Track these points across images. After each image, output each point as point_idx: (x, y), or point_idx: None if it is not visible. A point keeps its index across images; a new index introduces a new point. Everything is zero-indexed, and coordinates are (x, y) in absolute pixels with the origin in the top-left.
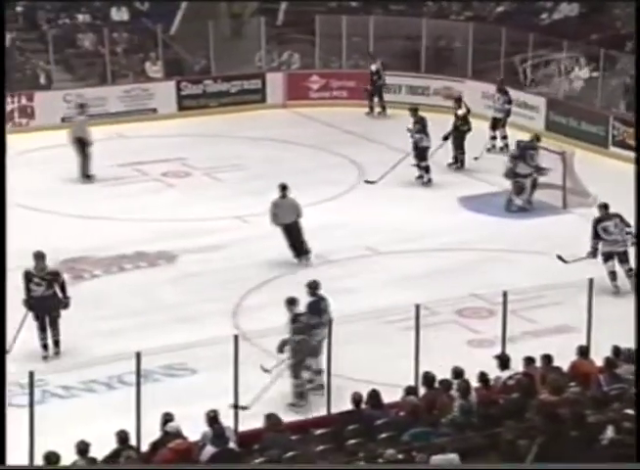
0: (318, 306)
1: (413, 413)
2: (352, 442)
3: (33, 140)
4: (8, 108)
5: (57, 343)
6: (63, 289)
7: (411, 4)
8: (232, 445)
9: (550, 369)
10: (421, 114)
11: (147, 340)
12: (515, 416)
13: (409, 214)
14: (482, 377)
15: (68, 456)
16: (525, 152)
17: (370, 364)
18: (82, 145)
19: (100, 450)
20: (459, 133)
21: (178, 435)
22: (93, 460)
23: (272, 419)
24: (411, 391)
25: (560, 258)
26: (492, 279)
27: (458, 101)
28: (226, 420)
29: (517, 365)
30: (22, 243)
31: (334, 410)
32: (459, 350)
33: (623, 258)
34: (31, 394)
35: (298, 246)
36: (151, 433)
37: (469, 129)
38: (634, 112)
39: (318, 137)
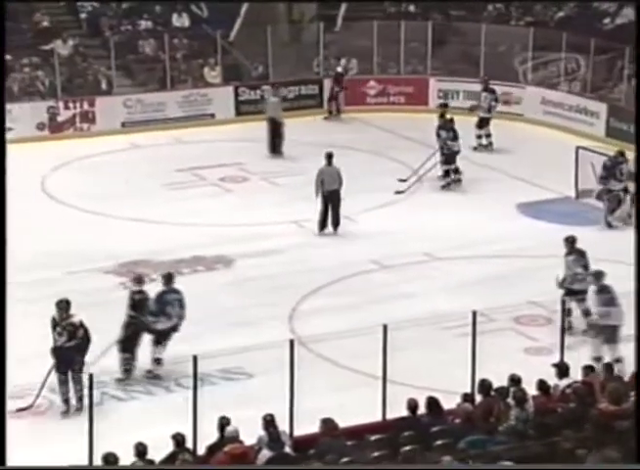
0: (164, 298)
1: (468, 421)
2: (407, 448)
3: (94, 145)
4: (70, 113)
5: (80, 399)
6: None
7: (471, 9)
8: (287, 449)
9: (611, 378)
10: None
11: (204, 344)
12: (573, 425)
13: (467, 220)
14: (542, 385)
15: (127, 458)
16: (613, 169)
17: (426, 371)
18: (275, 124)
19: (157, 453)
20: (448, 148)
21: (236, 439)
22: (150, 462)
23: (328, 424)
24: (467, 398)
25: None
26: (550, 287)
27: (445, 114)
28: (281, 424)
29: (575, 374)
30: (82, 246)
31: (389, 416)
32: (516, 357)
33: (581, 297)
34: (91, 396)
35: (334, 215)
36: (207, 436)
37: (456, 147)
38: (635, 112)
39: (375, 143)
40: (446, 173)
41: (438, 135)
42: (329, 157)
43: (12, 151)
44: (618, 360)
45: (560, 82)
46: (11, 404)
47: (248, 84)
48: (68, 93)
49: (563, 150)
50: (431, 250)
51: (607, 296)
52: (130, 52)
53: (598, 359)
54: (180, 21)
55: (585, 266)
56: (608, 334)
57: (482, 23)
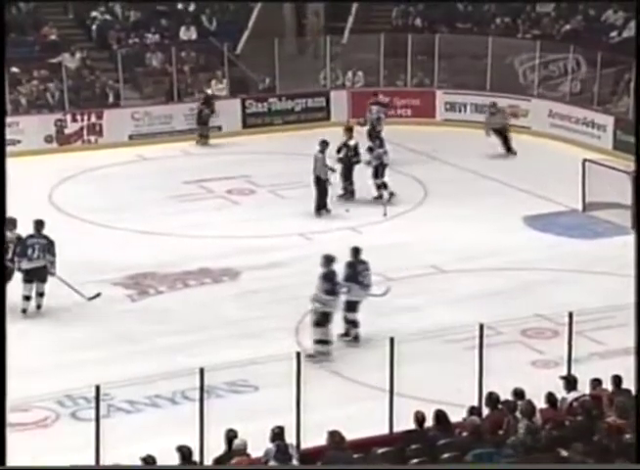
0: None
1: (476, 434)
2: (415, 461)
3: (102, 157)
4: (77, 125)
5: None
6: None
7: (478, 22)
8: (295, 462)
9: (619, 391)
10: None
11: (210, 356)
12: (581, 439)
13: (474, 233)
14: (550, 398)
15: None
16: None
17: (432, 384)
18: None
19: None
20: (350, 164)
21: (243, 452)
22: None
23: (335, 436)
24: (474, 411)
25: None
26: (558, 299)
27: (349, 131)
28: (288, 437)
29: (583, 387)
30: (89, 258)
31: (396, 429)
32: (523, 370)
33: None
34: (97, 408)
35: (321, 201)
36: (214, 449)
37: (358, 161)
38: (634, 112)
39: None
40: (378, 186)
41: (371, 149)
42: (323, 143)
43: (20, 163)
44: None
45: (562, 82)
46: (11, 417)
47: (255, 97)
48: (75, 106)
49: (569, 163)
50: (437, 262)
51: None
52: (138, 65)
53: (320, 342)
54: (187, 34)
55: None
56: (318, 316)
57: (489, 35)
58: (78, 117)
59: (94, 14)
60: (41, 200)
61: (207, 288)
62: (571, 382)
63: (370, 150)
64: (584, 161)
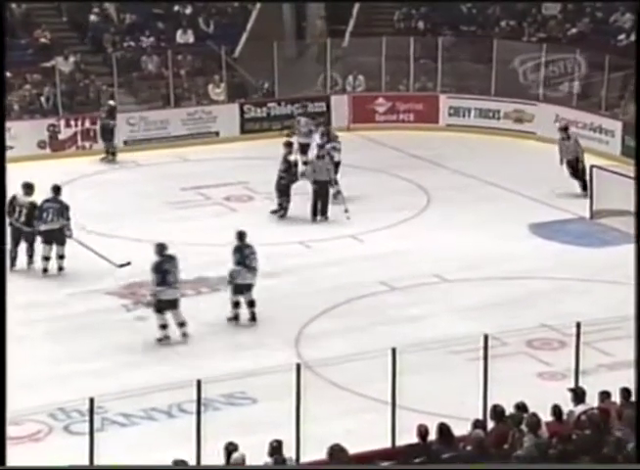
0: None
1: (480, 448)
2: None
3: (96, 163)
4: (71, 131)
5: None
6: None
7: (482, 25)
8: None
9: (627, 404)
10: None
11: (207, 367)
12: (589, 453)
13: (479, 241)
14: (556, 411)
15: None
16: None
17: (435, 396)
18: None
19: None
20: (288, 180)
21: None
22: None
23: (336, 450)
24: (479, 424)
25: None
26: (564, 309)
27: (289, 146)
28: (288, 451)
29: (591, 400)
30: (84, 266)
31: (398, 443)
32: (529, 382)
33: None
34: (91, 421)
35: (322, 206)
36: (211, 462)
37: (297, 178)
38: (635, 112)
39: (384, 161)
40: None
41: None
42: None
43: (12, 170)
44: (182, 324)
45: (561, 82)
46: (9, 431)
47: (253, 101)
48: (69, 111)
49: None
50: (441, 271)
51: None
52: (133, 69)
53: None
54: (184, 37)
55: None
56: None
57: (494, 39)
58: (72, 123)
59: (88, 16)
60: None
61: (205, 297)
62: (579, 394)
63: (305, 164)
64: (592, 167)
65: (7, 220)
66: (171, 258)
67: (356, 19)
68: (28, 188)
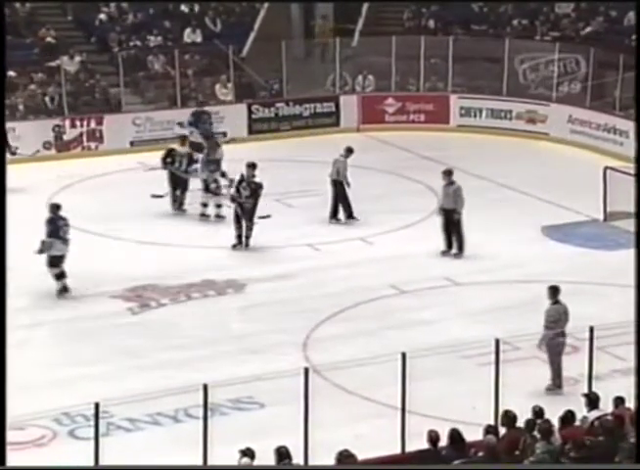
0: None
1: (492, 454)
2: None
3: (102, 164)
4: (76, 131)
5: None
6: None
7: (494, 24)
8: None
9: None
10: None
11: (214, 371)
12: (602, 460)
13: (490, 244)
14: (569, 416)
15: None
16: None
17: (446, 401)
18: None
19: None
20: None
21: None
22: None
23: (345, 456)
24: (490, 430)
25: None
26: (577, 313)
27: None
28: (296, 457)
29: (603, 405)
30: (88, 269)
31: (408, 449)
32: (541, 387)
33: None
34: (97, 426)
35: (344, 206)
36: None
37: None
38: (635, 112)
39: (394, 162)
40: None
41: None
42: (348, 151)
43: (17, 170)
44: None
45: (561, 82)
46: (13, 436)
47: (261, 102)
48: (74, 111)
49: (590, 170)
50: (451, 274)
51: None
52: (139, 68)
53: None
54: (191, 36)
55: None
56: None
57: (506, 38)
58: (78, 123)
59: (94, 15)
60: (39, 209)
61: (211, 300)
62: (592, 400)
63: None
64: (605, 168)
65: (166, 168)
66: (63, 219)
67: (365, 18)
68: (184, 139)
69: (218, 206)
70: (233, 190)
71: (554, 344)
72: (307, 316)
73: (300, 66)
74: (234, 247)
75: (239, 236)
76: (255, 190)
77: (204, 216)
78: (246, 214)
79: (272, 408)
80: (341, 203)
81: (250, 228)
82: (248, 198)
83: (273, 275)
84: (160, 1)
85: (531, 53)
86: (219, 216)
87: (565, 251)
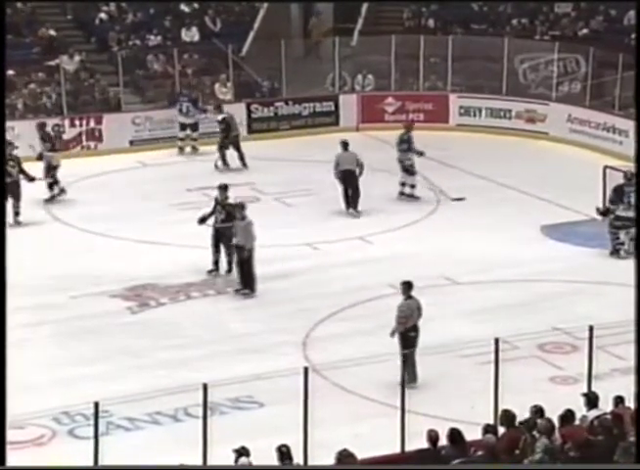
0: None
1: (491, 453)
2: None
3: (101, 163)
4: (76, 131)
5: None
6: None
7: (493, 23)
8: None
9: None
10: None
11: (214, 370)
12: (601, 459)
13: (489, 243)
14: (568, 415)
15: None
16: (621, 194)
17: (445, 400)
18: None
19: None
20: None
21: None
22: None
23: (345, 455)
24: (489, 429)
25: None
26: (577, 313)
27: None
28: (295, 456)
29: (603, 404)
30: (88, 269)
31: (408, 448)
32: (541, 386)
33: None
34: (96, 425)
35: (352, 195)
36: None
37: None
38: (635, 112)
39: (393, 162)
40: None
41: None
42: (345, 145)
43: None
44: None
45: (561, 82)
46: (12, 435)
47: (260, 101)
48: (74, 110)
49: (590, 169)
50: (451, 274)
51: None
52: (139, 68)
53: None
54: (190, 35)
55: None
56: None
57: (505, 37)
58: (77, 122)
59: (94, 14)
60: (38, 208)
61: (211, 300)
62: (592, 399)
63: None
64: (605, 167)
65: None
66: None
67: (365, 17)
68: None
69: (412, 186)
70: (208, 215)
71: (406, 337)
72: (307, 316)
73: (300, 65)
74: (209, 272)
75: (215, 262)
76: (230, 213)
77: (402, 195)
78: (223, 239)
79: (271, 408)
80: (352, 193)
81: (229, 253)
82: (223, 222)
83: (272, 274)
84: (159, 1)
85: (531, 52)
86: (412, 196)
87: (564, 250)
